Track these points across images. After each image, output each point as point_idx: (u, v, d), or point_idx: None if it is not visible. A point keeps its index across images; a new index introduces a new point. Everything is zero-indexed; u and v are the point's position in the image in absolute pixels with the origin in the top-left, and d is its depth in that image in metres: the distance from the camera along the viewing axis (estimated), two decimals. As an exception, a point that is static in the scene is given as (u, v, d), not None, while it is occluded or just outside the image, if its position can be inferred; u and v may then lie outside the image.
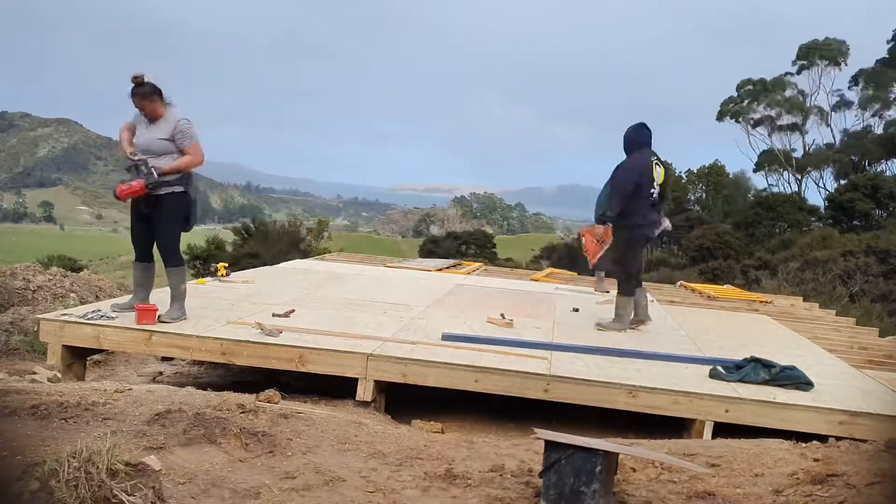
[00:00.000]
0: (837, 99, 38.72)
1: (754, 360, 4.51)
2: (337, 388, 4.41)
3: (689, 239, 32.31)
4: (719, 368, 4.57)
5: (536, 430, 2.55)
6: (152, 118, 4.63)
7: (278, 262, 10.36)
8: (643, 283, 6.41)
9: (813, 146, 39.74)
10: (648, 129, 5.71)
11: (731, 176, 44.67)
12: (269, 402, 3.57)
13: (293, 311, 5.36)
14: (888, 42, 35.88)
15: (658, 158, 5.69)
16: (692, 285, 10.82)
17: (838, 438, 3.83)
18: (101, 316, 4.72)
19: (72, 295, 8.33)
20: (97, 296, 8.54)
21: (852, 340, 6.64)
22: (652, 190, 5.60)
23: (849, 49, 37.62)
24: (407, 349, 4.55)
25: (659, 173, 5.64)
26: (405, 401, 4.43)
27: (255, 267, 9.94)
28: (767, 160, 40.18)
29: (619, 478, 2.72)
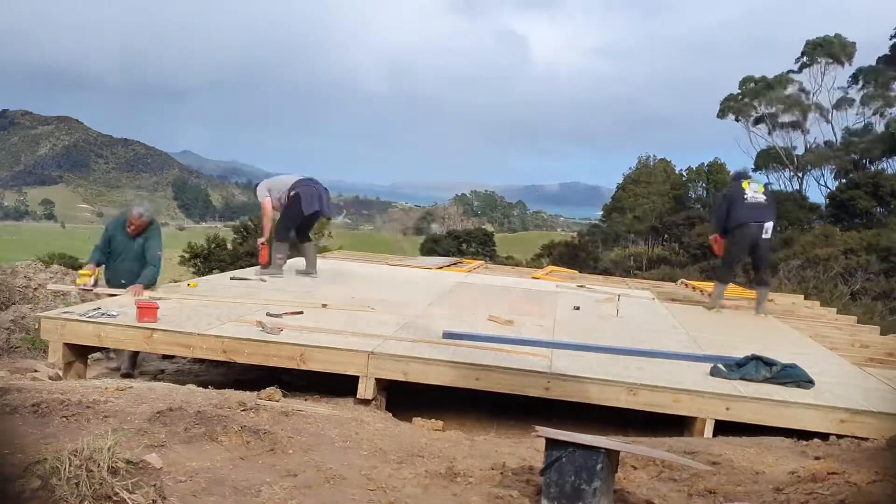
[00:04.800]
0: (839, 97, 38.65)
1: (755, 358, 4.51)
2: (338, 386, 4.42)
3: (690, 237, 32.31)
4: (720, 366, 4.57)
5: (537, 427, 2.55)
6: None
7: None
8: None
9: (814, 144, 39.68)
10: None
11: (731, 174, 44.56)
12: (270, 400, 3.57)
13: (297, 311, 5.36)
14: (891, 38, 35.80)
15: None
16: (693, 283, 10.81)
17: (839, 436, 3.84)
18: (103, 314, 4.72)
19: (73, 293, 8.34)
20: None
21: (853, 338, 6.62)
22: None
23: (855, 47, 37.46)
24: (408, 347, 4.55)
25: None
26: (406, 399, 4.43)
27: (253, 266, 9.90)
28: (767, 159, 40.09)
29: (620, 476, 2.72)
